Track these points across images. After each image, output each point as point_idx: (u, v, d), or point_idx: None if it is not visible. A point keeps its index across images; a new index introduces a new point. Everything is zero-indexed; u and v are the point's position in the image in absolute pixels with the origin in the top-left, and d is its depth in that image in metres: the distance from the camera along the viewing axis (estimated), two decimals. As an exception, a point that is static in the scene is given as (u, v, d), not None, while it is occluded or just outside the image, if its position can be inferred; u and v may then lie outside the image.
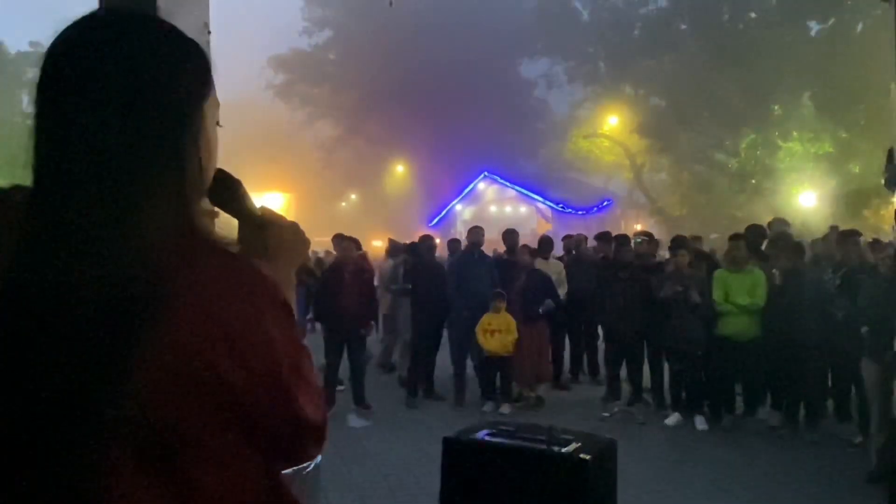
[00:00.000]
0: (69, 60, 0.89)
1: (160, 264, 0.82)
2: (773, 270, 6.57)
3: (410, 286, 8.03)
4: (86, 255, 0.82)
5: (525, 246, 8.16)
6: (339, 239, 8.04)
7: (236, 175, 1.09)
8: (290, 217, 1.16)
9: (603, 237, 8.77)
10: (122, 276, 0.81)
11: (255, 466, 0.89)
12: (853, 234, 6.77)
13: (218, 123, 1.04)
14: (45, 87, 0.89)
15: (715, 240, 11.39)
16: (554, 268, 8.32)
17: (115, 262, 0.82)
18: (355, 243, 7.86)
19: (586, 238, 9.42)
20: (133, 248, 0.82)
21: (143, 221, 0.84)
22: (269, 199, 41.40)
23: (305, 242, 1.16)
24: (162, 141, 0.88)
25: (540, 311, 7.41)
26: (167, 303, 0.81)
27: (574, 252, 9.28)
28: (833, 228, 7.39)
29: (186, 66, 0.93)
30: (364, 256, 9.61)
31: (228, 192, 1.09)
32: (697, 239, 7.87)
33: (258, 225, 1.10)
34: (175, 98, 0.90)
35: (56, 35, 0.91)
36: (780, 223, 7.89)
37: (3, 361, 0.81)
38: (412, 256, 8.81)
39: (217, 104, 1.00)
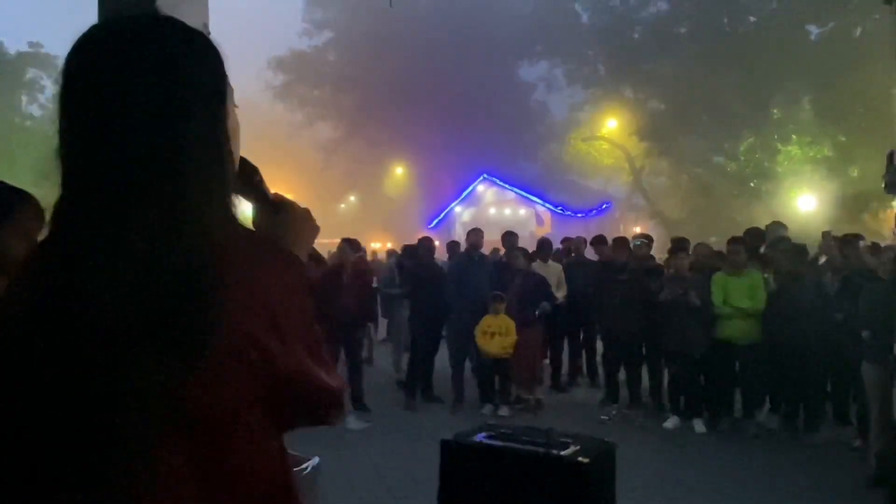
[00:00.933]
0: (99, 71, 0.90)
1: (218, 257, 0.87)
2: (765, 275, 6.57)
3: (402, 289, 8.03)
4: (154, 256, 0.85)
5: (520, 248, 8.15)
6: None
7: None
8: None
9: (599, 241, 8.75)
10: (182, 267, 0.85)
11: (276, 446, 0.95)
12: (854, 238, 6.76)
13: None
14: (77, 100, 0.91)
15: (714, 243, 11.36)
16: (553, 270, 8.32)
17: (179, 258, 0.86)
18: (354, 245, 7.85)
19: (585, 241, 9.41)
20: (195, 244, 0.87)
21: (200, 218, 0.89)
22: (269, 200, 41.38)
23: (316, 228, 1.21)
24: (205, 140, 0.92)
25: (536, 313, 7.41)
26: (220, 285, 0.86)
27: (573, 255, 9.27)
28: (826, 234, 7.35)
29: (212, 64, 0.96)
30: (363, 258, 9.61)
31: (247, 177, 1.11)
32: (705, 248, 7.75)
33: (273, 210, 1.15)
34: (208, 96, 0.94)
35: (74, 44, 0.93)
36: (777, 227, 7.87)
37: (71, 359, 0.83)
38: (407, 258, 8.82)
39: (232, 90, 1.03)
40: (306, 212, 1.18)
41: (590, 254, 9.32)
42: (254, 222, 1.13)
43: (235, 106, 1.03)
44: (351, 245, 7.76)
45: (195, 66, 0.93)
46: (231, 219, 0.94)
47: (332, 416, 0.99)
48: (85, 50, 0.92)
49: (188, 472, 0.84)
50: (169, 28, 0.95)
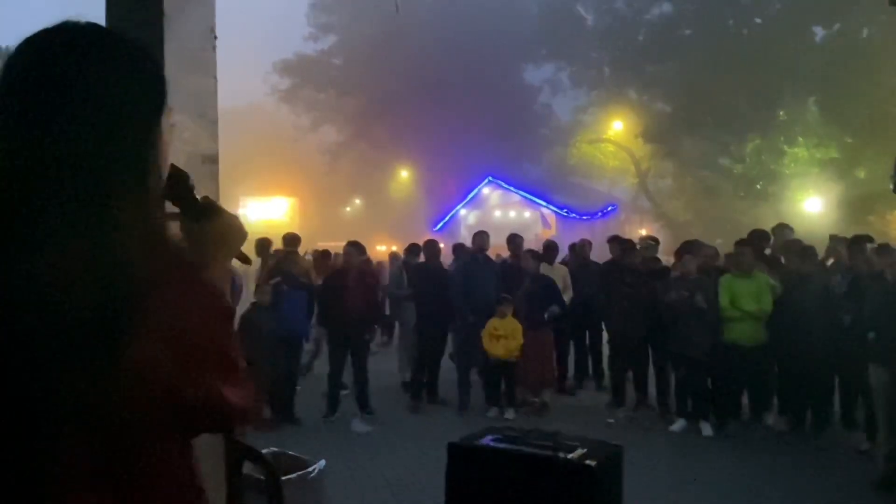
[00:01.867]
0: (33, 76, 0.92)
1: (131, 275, 0.89)
2: (773, 282, 6.54)
3: (411, 290, 8.03)
4: (61, 266, 0.87)
5: (529, 250, 8.13)
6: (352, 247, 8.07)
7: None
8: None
9: (615, 240, 8.68)
10: (97, 281, 0.87)
11: (184, 453, 0.99)
12: (863, 240, 6.70)
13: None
14: (9, 100, 0.92)
15: (719, 245, 11.34)
16: (559, 273, 8.30)
17: (89, 267, 0.87)
18: (359, 249, 7.86)
19: (590, 243, 9.38)
20: (106, 259, 0.88)
21: (114, 232, 0.90)
22: (274, 203, 41.55)
23: (243, 233, 1.23)
24: (127, 154, 0.94)
25: (545, 316, 7.40)
26: (134, 308, 0.88)
27: (579, 257, 9.25)
28: (833, 237, 7.31)
29: (146, 80, 0.98)
30: (368, 262, 9.61)
31: (179, 186, 1.14)
32: (712, 255, 7.69)
33: (202, 217, 1.16)
34: (137, 112, 0.96)
35: (18, 47, 0.94)
36: (784, 229, 7.82)
37: None
38: (412, 255, 8.82)
39: (169, 112, 1.06)
40: (233, 218, 1.20)
41: (595, 255, 9.30)
42: (181, 229, 1.15)
43: (172, 124, 1.07)
44: (356, 248, 7.76)
45: (127, 82, 0.95)
46: (152, 237, 0.95)
47: (236, 429, 1.04)
48: (23, 54, 0.94)
49: (94, 476, 0.89)
50: (107, 43, 0.97)
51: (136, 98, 0.95)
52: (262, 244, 9.39)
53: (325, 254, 9.72)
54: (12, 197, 0.90)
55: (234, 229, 1.20)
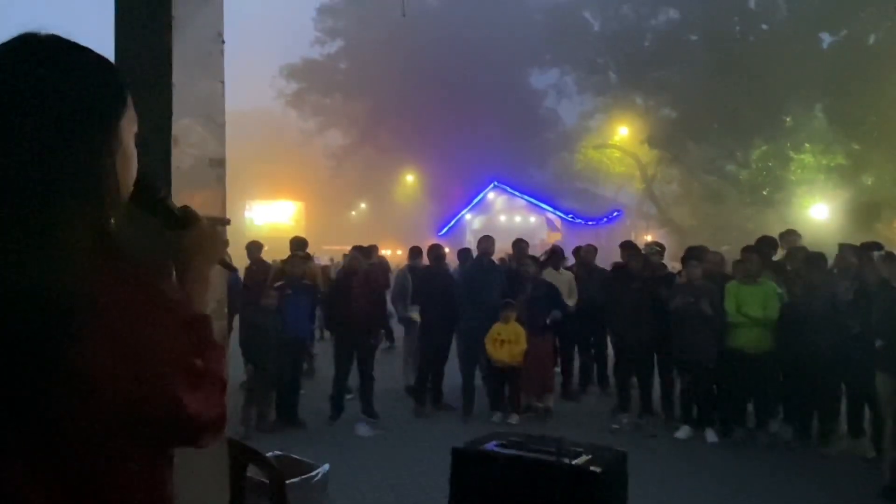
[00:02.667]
0: None
1: (77, 280, 0.88)
2: (778, 291, 6.51)
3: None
4: (5, 266, 0.87)
5: (530, 256, 8.13)
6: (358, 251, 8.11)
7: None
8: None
9: (627, 246, 8.65)
10: (42, 290, 0.86)
11: (140, 462, 0.96)
12: (872, 247, 6.66)
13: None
14: None
15: (726, 251, 11.31)
16: (564, 278, 8.29)
17: (34, 276, 0.87)
18: (365, 252, 7.86)
19: (596, 249, 9.37)
20: (52, 263, 0.88)
21: (61, 237, 0.89)
22: (280, 207, 41.66)
23: (224, 241, 1.24)
24: (78, 159, 0.93)
25: (547, 321, 7.39)
26: (78, 320, 0.87)
27: (584, 263, 9.23)
28: (842, 246, 7.25)
29: (99, 86, 0.98)
30: (375, 266, 9.61)
31: (148, 192, 1.15)
32: (718, 261, 7.63)
33: (178, 224, 1.17)
34: (88, 118, 0.95)
35: None
36: (793, 235, 7.76)
37: None
38: (416, 258, 8.83)
39: (135, 120, 1.05)
40: (213, 226, 1.21)
41: (601, 261, 9.29)
42: (159, 238, 1.15)
43: (136, 133, 1.06)
44: (362, 252, 7.77)
45: (75, 92, 0.95)
46: (105, 246, 0.94)
47: (203, 441, 1.01)
48: None
49: (47, 489, 0.88)
50: (56, 53, 0.97)
51: (84, 107, 0.95)
52: (251, 248, 9.43)
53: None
54: None
55: (213, 237, 1.20)
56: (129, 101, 1.03)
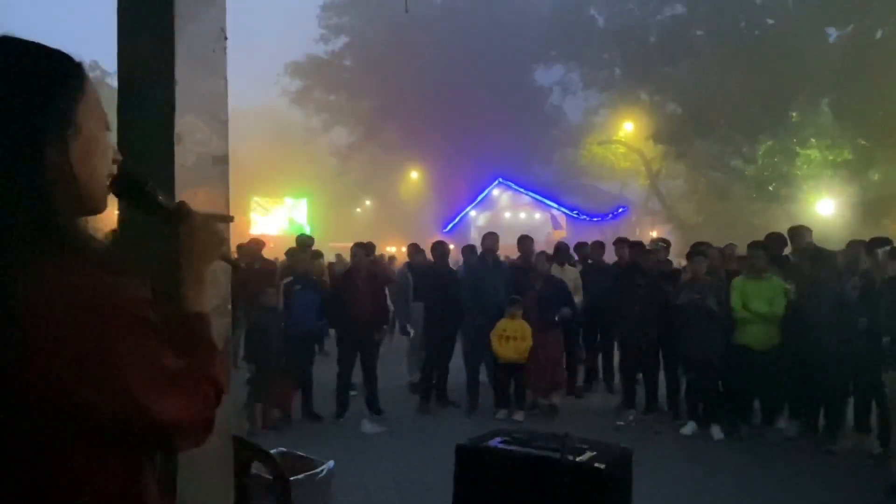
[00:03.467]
0: None
1: (14, 283, 0.84)
2: (787, 286, 6.47)
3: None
4: None
5: (543, 252, 8.12)
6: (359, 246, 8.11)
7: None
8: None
9: (620, 243, 8.70)
10: None
11: (112, 468, 0.92)
12: (881, 243, 6.61)
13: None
14: None
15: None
16: (570, 275, 8.28)
17: None
18: (367, 249, 7.87)
19: (604, 245, 9.35)
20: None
21: (8, 253, 0.86)
22: (285, 204, 41.67)
23: (220, 237, 1.20)
24: (9, 144, 0.90)
25: (556, 318, 7.37)
26: (21, 326, 0.83)
27: (590, 259, 9.21)
28: (851, 243, 7.18)
29: (38, 75, 0.95)
30: (377, 262, 9.62)
31: (135, 188, 1.13)
32: (728, 256, 7.56)
33: (170, 220, 1.15)
34: (22, 102, 0.92)
35: None
36: (803, 231, 7.66)
37: None
38: (416, 257, 8.83)
39: (98, 106, 1.01)
40: (208, 222, 1.18)
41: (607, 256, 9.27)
42: (150, 234, 1.14)
43: (108, 130, 1.03)
44: (364, 249, 7.78)
45: (17, 79, 0.93)
46: (49, 251, 0.89)
47: (182, 445, 0.98)
48: None
49: (4, 495, 0.85)
50: (6, 51, 0.95)
51: (20, 105, 0.92)
52: (252, 245, 9.48)
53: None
54: None
55: (208, 233, 1.17)
56: (90, 90, 0.99)
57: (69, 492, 0.89)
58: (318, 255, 9.32)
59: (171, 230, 1.16)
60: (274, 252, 11.73)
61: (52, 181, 0.92)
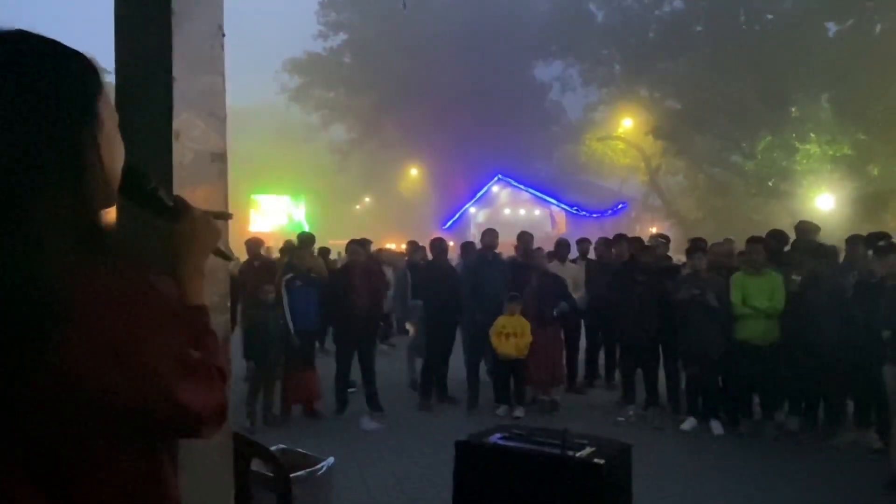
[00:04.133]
0: None
1: (55, 278, 0.86)
2: (793, 277, 6.47)
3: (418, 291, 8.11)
4: None
5: (539, 248, 8.13)
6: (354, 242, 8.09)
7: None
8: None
9: (618, 240, 8.70)
10: (18, 289, 0.85)
11: (134, 457, 0.95)
12: (880, 238, 6.60)
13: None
14: None
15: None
16: (570, 271, 8.28)
17: (9, 275, 0.85)
18: (364, 245, 7.86)
19: (609, 241, 9.33)
20: (28, 261, 0.86)
21: (38, 233, 0.88)
22: (284, 201, 41.68)
23: (217, 232, 1.22)
24: (48, 157, 0.91)
25: (554, 313, 7.38)
26: (59, 317, 0.85)
27: (591, 255, 9.21)
28: (851, 238, 7.16)
29: (70, 74, 0.96)
30: (374, 258, 9.62)
31: (137, 183, 1.14)
32: (726, 252, 7.53)
33: (169, 215, 1.16)
34: (57, 114, 0.93)
35: None
36: (810, 227, 7.61)
37: None
38: (416, 255, 8.82)
39: (111, 105, 1.03)
40: (205, 216, 1.20)
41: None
42: (149, 229, 1.15)
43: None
44: (361, 246, 7.78)
45: (42, 86, 0.93)
46: (85, 242, 0.92)
47: (204, 433, 1.00)
48: None
49: (33, 483, 0.87)
50: (17, 47, 0.95)
51: (54, 101, 0.93)
52: (250, 243, 9.51)
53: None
54: None
55: (206, 228, 1.19)
56: (104, 87, 1.01)
57: (102, 485, 0.91)
58: (326, 251, 9.35)
59: (170, 224, 1.17)
60: (269, 250, 11.70)
61: (90, 181, 0.95)
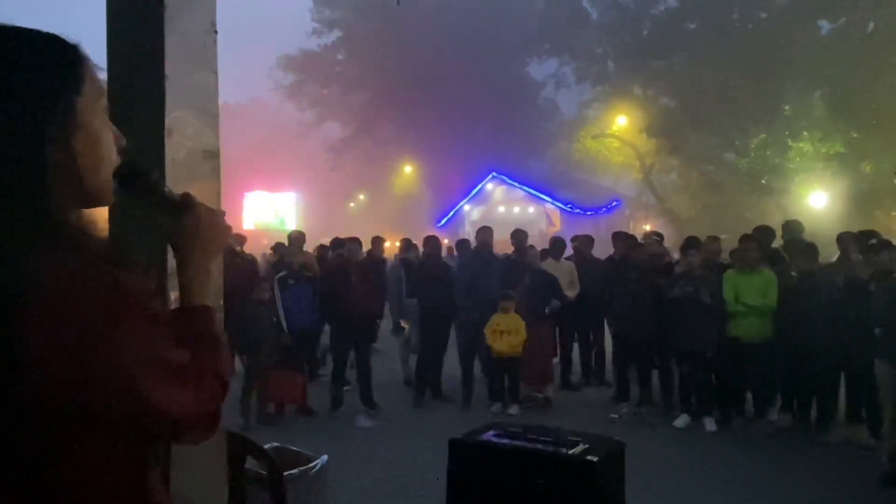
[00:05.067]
0: None
1: (9, 266, 0.83)
2: (792, 272, 6.49)
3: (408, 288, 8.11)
4: None
5: (532, 246, 8.14)
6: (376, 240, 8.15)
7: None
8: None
9: (619, 237, 8.72)
10: None
11: (114, 463, 0.91)
12: (869, 236, 6.64)
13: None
14: None
15: (724, 240, 11.30)
16: (565, 269, 8.29)
17: None
18: (359, 243, 7.87)
19: (592, 239, 9.35)
20: None
21: (7, 243, 0.84)
22: (279, 198, 41.60)
23: (225, 228, 1.18)
24: (11, 140, 0.88)
25: (546, 311, 7.39)
26: (15, 309, 0.82)
27: (581, 253, 9.22)
28: (842, 235, 7.21)
29: (38, 65, 0.92)
30: (371, 256, 9.60)
31: (138, 179, 1.10)
32: (715, 250, 7.59)
33: (174, 211, 1.12)
34: (24, 97, 0.90)
35: None
36: (796, 226, 7.67)
37: None
38: (409, 253, 8.81)
39: (101, 96, 0.99)
40: (213, 213, 1.16)
41: (600, 251, 9.28)
42: (153, 225, 1.12)
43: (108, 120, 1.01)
44: (358, 244, 7.77)
45: (13, 68, 0.90)
46: (51, 231, 0.88)
47: (191, 438, 0.97)
48: None
49: (4, 497, 0.84)
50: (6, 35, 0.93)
51: (20, 88, 0.90)
52: (236, 240, 9.49)
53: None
54: None
55: (213, 225, 1.16)
56: (89, 77, 0.97)
57: (76, 489, 0.88)
58: (326, 249, 9.37)
59: (175, 221, 1.13)
60: (251, 247, 11.57)
61: (55, 178, 0.91)
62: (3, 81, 0.90)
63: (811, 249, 6.65)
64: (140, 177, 1.11)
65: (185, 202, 1.15)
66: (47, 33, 0.96)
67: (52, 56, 0.94)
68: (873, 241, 6.22)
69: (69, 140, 0.93)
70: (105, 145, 1.00)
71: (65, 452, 0.87)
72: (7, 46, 0.92)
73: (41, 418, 0.84)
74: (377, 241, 9.23)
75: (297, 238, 8.69)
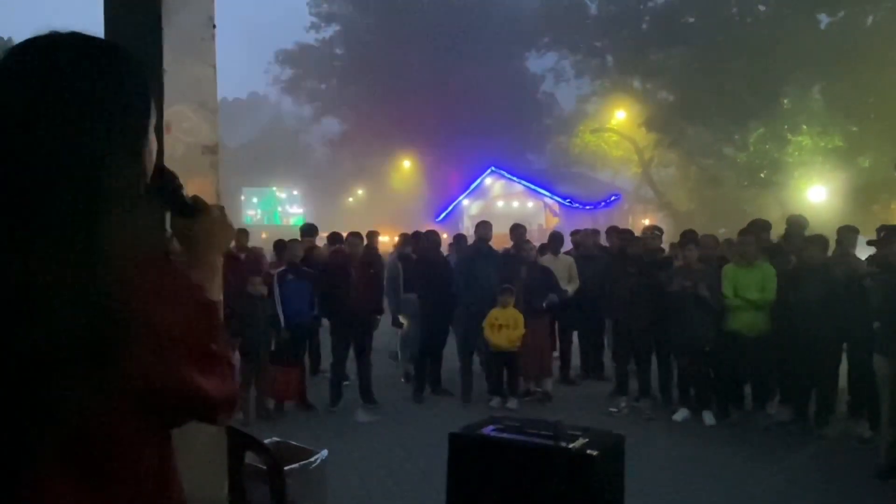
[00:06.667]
0: (24, 86, 0.93)
1: (123, 281, 0.89)
2: (792, 257, 6.49)
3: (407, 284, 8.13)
4: (53, 273, 0.87)
5: (529, 241, 8.14)
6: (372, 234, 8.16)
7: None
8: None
9: (612, 231, 8.75)
10: (92, 293, 0.87)
11: (151, 448, 0.99)
12: (882, 230, 6.60)
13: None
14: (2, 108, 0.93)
15: (723, 234, 11.30)
16: (564, 263, 8.29)
17: (83, 280, 0.87)
18: (360, 238, 7.87)
19: (598, 233, 9.35)
20: (100, 266, 0.88)
21: (105, 238, 0.90)
22: (277, 194, 41.58)
23: (231, 229, 1.25)
24: (118, 159, 0.94)
25: (543, 305, 7.40)
26: (131, 322, 0.88)
27: (583, 247, 9.22)
28: (841, 229, 7.20)
29: (133, 85, 0.99)
30: (370, 251, 9.60)
31: (167, 185, 1.15)
32: (712, 245, 7.58)
33: (190, 213, 1.18)
34: (127, 118, 0.97)
35: (4, 60, 0.96)
36: (800, 220, 7.65)
37: None
38: (407, 248, 8.81)
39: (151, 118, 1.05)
40: (219, 214, 1.22)
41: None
42: (171, 226, 1.17)
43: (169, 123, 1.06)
44: (358, 239, 7.77)
45: (117, 90, 0.96)
46: (137, 239, 0.94)
47: (217, 418, 1.04)
48: (9, 67, 0.95)
49: (63, 463, 0.89)
50: (96, 52, 0.98)
51: (126, 105, 0.97)
52: (237, 235, 9.49)
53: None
54: (17, 202, 0.90)
55: (222, 226, 1.22)
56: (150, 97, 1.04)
57: (126, 469, 0.94)
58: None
59: (190, 223, 1.18)
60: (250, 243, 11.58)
61: (139, 189, 0.99)
62: (116, 96, 0.96)
63: (820, 241, 6.62)
64: (167, 180, 1.15)
65: (199, 205, 1.20)
66: (126, 51, 1.02)
67: (140, 74, 1.02)
68: (883, 233, 6.18)
69: (143, 152, 1.01)
70: (153, 148, 1.07)
71: (125, 435, 0.93)
72: (111, 65, 0.98)
73: (116, 408, 0.90)
74: (372, 235, 9.23)
75: (309, 230, 8.70)
